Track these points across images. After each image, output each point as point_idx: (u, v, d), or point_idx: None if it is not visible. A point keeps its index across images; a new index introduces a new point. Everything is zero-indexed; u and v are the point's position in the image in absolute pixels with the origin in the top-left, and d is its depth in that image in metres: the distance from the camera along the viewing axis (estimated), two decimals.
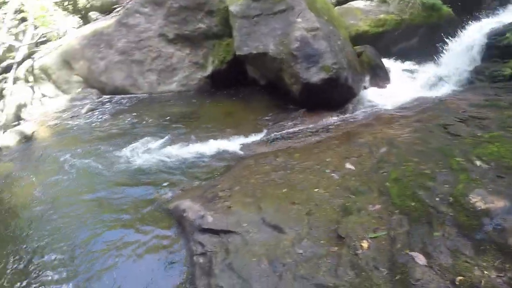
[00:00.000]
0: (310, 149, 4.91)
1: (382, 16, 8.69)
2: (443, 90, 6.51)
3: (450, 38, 7.07)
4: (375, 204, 3.26)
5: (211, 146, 5.73)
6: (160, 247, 3.79)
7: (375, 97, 6.80)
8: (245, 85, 8.25)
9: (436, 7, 8.91)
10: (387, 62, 7.70)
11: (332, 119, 6.17)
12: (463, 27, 7.04)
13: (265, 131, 6.13)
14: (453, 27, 7.83)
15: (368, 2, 9.34)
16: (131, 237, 3.94)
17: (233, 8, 7.38)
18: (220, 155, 5.51)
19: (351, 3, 9.50)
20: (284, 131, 5.96)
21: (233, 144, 5.77)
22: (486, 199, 2.83)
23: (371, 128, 5.19)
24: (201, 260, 3.32)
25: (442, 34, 7.31)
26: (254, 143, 5.77)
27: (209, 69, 8.39)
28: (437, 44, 7.30)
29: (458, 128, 4.31)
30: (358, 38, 7.98)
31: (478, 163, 3.33)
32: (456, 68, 6.62)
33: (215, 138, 6.02)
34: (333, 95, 6.38)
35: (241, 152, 5.50)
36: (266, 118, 6.68)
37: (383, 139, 4.52)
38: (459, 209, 2.85)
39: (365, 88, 7.02)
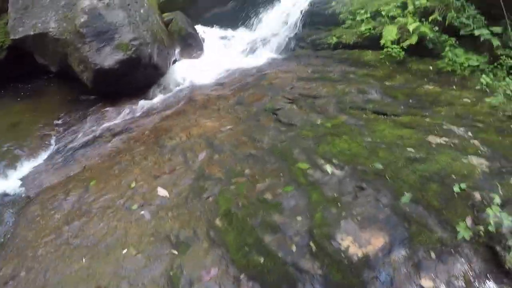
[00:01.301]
0: (110, 167, 3.62)
1: None
2: (262, 58, 5.95)
3: (268, 2, 6.52)
4: (209, 267, 2.26)
5: None
6: None
7: (188, 72, 5.79)
8: (36, 74, 6.12)
9: None
10: (200, 29, 6.72)
11: (136, 109, 4.93)
12: None
13: (53, 144, 4.49)
14: None
15: None
16: None
17: None
18: None
19: None
20: (77, 141, 4.41)
21: (12, 181, 3.96)
22: (359, 239, 2.20)
23: (184, 118, 4.24)
24: None
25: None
26: (39, 169, 4.09)
27: None
28: (254, 9, 6.67)
29: (290, 114, 3.74)
30: (166, 5, 6.70)
31: (329, 169, 2.74)
32: (274, 34, 6.14)
33: None
34: (136, 77, 5.12)
35: (23, 191, 3.77)
36: (57, 121, 4.96)
37: (200, 137, 3.64)
38: (328, 262, 2.13)
39: (175, 61, 5.95)
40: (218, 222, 2.56)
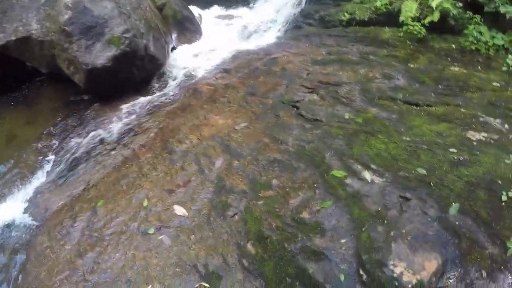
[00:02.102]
0: (116, 181, 3.26)
1: None
2: (267, 39, 5.45)
3: None
4: None
5: None
6: None
7: (188, 59, 5.32)
8: (28, 77, 5.61)
9: None
10: (196, 11, 6.17)
11: (137, 107, 4.49)
12: None
13: (53, 158, 4.11)
14: None
15: None
16: None
17: None
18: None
19: None
20: (77, 152, 4.01)
21: (16, 207, 3.60)
22: (412, 264, 1.92)
23: (191, 114, 3.84)
24: None
25: None
26: (42, 190, 3.72)
27: None
28: None
29: (313, 106, 3.36)
30: None
31: (368, 176, 2.41)
32: (277, 10, 5.62)
33: None
34: (133, 72, 4.66)
35: (29, 219, 3.44)
36: (54, 130, 4.55)
37: (213, 139, 3.28)
38: None
39: (173, 49, 5.46)
40: (250, 247, 2.26)
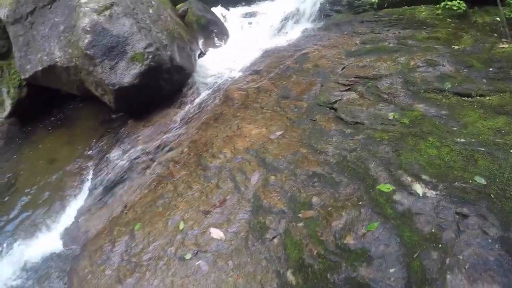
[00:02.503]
0: (152, 203, 3.22)
1: None
2: (296, 31, 5.17)
3: None
4: None
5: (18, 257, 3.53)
6: None
7: (217, 64, 5.20)
8: (63, 100, 5.88)
9: None
10: (219, 12, 6.00)
11: (170, 121, 4.43)
12: None
13: (90, 177, 4.21)
14: None
15: None
16: None
17: (1, 13, 4.91)
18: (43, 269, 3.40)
19: None
20: (113, 172, 4.04)
21: (58, 232, 3.71)
22: None
23: (224, 124, 3.71)
24: None
25: None
26: (81, 212, 3.79)
27: (8, 105, 5.53)
28: None
29: (352, 107, 3.09)
30: None
31: (419, 189, 2.13)
32: (302, 1, 5.30)
33: (30, 229, 3.83)
34: (161, 86, 4.61)
35: (70, 243, 3.51)
36: (91, 151, 4.66)
37: (248, 151, 3.12)
38: None
39: (201, 55, 5.35)
40: (290, 276, 2.08)
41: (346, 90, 3.33)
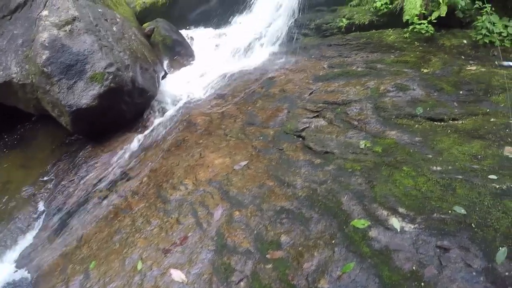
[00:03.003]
0: (109, 237, 2.90)
1: None
2: (262, 55, 5.06)
3: None
4: None
5: None
6: None
7: (181, 86, 4.99)
8: (20, 118, 5.36)
9: None
10: (186, 33, 5.86)
11: (130, 147, 4.15)
12: None
13: (44, 207, 3.83)
14: None
15: None
16: None
17: None
18: None
19: None
20: (69, 201, 3.70)
21: (7, 264, 3.33)
22: None
23: (186, 152, 3.47)
24: None
25: None
26: (34, 243, 3.41)
27: None
28: (242, 1, 5.75)
29: (321, 135, 2.95)
30: (145, 13, 5.92)
31: (396, 224, 1.97)
32: (269, 23, 5.23)
33: None
34: (122, 109, 4.31)
35: (21, 282, 3.11)
36: (46, 177, 4.26)
37: (210, 183, 2.89)
38: None
39: (165, 75, 5.13)
40: None
41: (314, 117, 3.20)
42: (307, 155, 2.79)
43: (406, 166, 2.32)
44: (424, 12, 4.13)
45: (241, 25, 5.80)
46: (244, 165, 2.86)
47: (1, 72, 4.29)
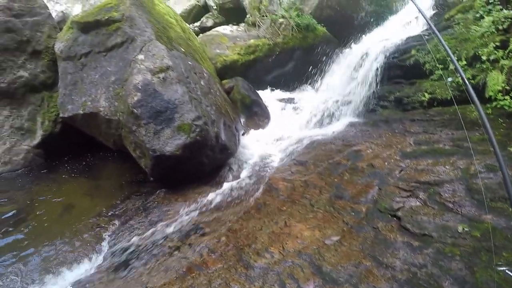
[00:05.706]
0: None
1: (252, 41, 7.08)
2: (340, 124, 5.09)
3: (330, 59, 5.80)
4: None
5: None
6: None
7: (258, 147, 5.02)
8: (94, 147, 5.66)
9: (311, 27, 7.58)
10: (262, 94, 6.08)
11: (205, 201, 4.10)
12: (343, 47, 5.84)
13: (108, 244, 3.80)
14: (330, 47, 6.70)
15: (235, 27, 7.68)
16: None
17: (57, 46, 5.00)
18: None
19: (217, 29, 7.73)
20: (136, 243, 3.64)
21: None
22: None
23: (269, 218, 3.37)
24: None
25: (321, 56, 6.00)
26: (90, 280, 3.31)
27: (39, 135, 5.45)
28: (317, 67, 5.97)
29: (417, 216, 2.83)
30: (225, 70, 6.27)
31: None
32: (347, 93, 5.32)
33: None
34: (202, 162, 4.37)
35: None
36: (114, 211, 4.29)
37: (300, 255, 2.75)
38: None
39: (243, 134, 5.22)
40: None
41: (407, 197, 3.08)
42: (404, 237, 2.66)
43: (505, 251, 2.22)
44: (506, 87, 4.01)
45: (317, 92, 5.93)
46: (336, 240, 2.74)
47: (90, 103, 4.62)
